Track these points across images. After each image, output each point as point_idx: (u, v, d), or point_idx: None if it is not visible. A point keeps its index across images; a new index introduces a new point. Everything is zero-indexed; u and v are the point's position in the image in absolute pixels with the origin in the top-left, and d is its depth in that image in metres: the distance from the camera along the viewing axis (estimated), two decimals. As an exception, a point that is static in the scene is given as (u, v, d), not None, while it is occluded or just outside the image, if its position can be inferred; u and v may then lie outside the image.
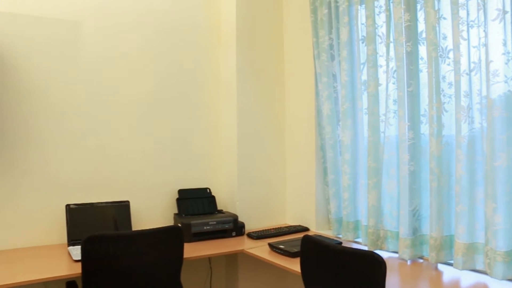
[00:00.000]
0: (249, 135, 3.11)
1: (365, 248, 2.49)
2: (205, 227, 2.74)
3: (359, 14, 2.60)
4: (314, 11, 2.92)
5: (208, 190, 3.10)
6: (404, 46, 2.30)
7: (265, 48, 3.20)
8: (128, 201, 2.78)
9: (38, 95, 2.63)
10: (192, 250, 2.50)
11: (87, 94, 2.78)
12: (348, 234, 2.70)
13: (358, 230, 2.72)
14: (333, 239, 2.56)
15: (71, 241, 2.57)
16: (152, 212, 2.98)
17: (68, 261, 2.28)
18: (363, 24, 2.63)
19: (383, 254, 2.40)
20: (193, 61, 3.14)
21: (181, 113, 3.10)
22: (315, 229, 2.99)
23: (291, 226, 3.06)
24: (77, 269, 2.13)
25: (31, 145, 2.62)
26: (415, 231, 2.31)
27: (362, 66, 2.63)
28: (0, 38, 2.54)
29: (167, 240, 2.14)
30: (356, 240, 2.71)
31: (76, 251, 2.38)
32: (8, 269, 2.15)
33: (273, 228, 2.99)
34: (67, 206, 2.62)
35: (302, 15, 3.10)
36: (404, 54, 2.31)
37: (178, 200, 2.96)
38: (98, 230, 2.64)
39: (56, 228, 2.68)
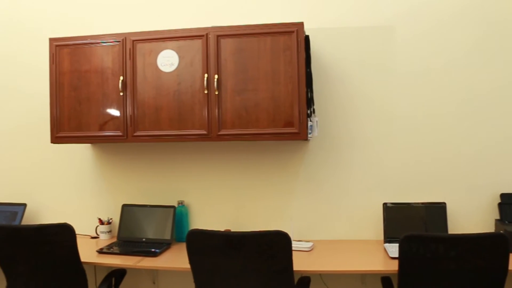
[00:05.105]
0: None
1: None
2: (534, 238, 2.42)
3: None
4: None
5: (535, 195, 2.73)
6: None
7: None
8: (444, 203, 2.74)
9: (359, 100, 2.91)
10: (518, 262, 2.26)
11: (401, 95, 2.89)
12: None
13: None
14: None
15: (387, 238, 2.71)
16: (469, 215, 2.83)
17: (384, 257, 2.43)
18: None
19: None
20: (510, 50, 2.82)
21: (502, 109, 2.81)
22: None
23: None
24: (393, 266, 2.24)
25: (354, 147, 2.92)
26: None
27: None
28: (322, 51, 2.92)
29: (490, 248, 2.00)
30: None
31: (392, 249, 2.50)
32: (332, 257, 2.47)
33: None
34: (384, 204, 2.78)
35: None
36: None
37: (500, 204, 2.73)
38: (413, 229, 2.71)
39: (373, 224, 2.89)
